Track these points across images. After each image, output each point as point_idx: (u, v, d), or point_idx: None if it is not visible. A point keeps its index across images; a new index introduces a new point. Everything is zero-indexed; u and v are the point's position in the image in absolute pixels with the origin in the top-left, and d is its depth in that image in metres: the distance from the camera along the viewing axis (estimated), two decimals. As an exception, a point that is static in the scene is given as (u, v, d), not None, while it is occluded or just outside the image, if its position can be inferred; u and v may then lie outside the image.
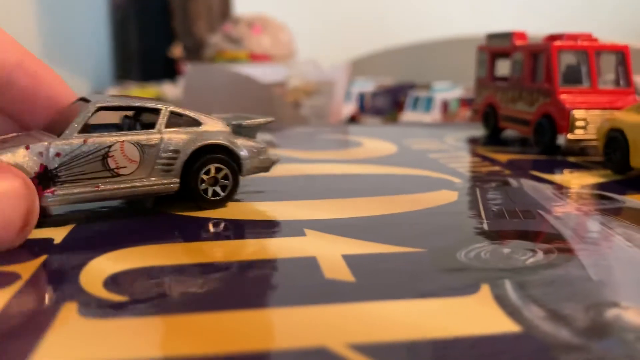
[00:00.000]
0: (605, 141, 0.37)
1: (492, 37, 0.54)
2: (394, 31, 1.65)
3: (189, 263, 0.20)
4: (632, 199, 0.30)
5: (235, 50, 1.27)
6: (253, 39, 1.28)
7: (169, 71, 1.42)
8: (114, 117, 0.28)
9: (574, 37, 0.45)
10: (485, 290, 0.18)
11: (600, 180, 0.34)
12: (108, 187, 0.24)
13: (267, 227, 0.24)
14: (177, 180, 0.25)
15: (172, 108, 0.26)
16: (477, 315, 0.16)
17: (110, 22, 1.58)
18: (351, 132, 0.59)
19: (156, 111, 0.25)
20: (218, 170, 0.26)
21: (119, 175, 0.24)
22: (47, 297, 0.17)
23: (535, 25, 0.92)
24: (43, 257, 0.20)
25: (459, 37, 1.28)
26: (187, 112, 0.26)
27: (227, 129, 0.27)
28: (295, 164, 0.39)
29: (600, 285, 0.18)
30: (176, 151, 0.25)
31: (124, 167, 0.24)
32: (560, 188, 0.32)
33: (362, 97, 1.24)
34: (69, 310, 0.16)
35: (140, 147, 0.24)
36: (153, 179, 0.25)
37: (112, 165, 0.24)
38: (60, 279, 0.19)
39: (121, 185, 0.24)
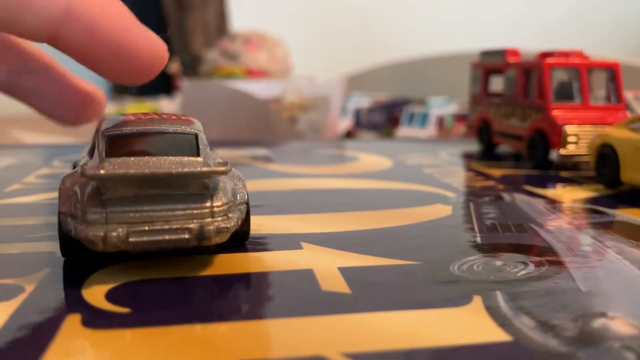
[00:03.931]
0: (596, 156, 0.37)
1: (485, 54, 0.55)
2: (389, 47, 1.67)
3: (189, 276, 0.20)
4: (623, 213, 0.30)
5: (232, 66, 1.28)
6: (249, 54, 1.29)
7: (165, 86, 1.43)
8: None
9: (565, 54, 0.46)
10: (477, 301, 0.18)
11: (592, 194, 0.35)
12: None
13: (265, 240, 0.25)
14: None
15: None
16: (470, 325, 0.17)
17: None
18: (347, 147, 0.60)
19: None
20: None
21: None
22: (50, 309, 0.18)
23: (528, 41, 0.93)
24: (46, 270, 0.21)
25: (454, 53, 1.30)
26: None
27: None
28: (292, 178, 0.39)
29: (589, 296, 0.19)
30: None
31: None
32: (552, 202, 0.33)
33: (357, 113, 1.25)
34: (73, 322, 0.17)
35: None
36: None
37: None
38: (63, 291, 0.19)
39: None
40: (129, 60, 0.21)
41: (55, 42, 0.20)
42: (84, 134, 0.75)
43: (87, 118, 0.25)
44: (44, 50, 0.24)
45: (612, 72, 0.45)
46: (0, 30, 0.20)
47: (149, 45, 0.21)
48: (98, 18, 0.20)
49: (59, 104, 0.24)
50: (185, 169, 0.20)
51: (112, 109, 1.13)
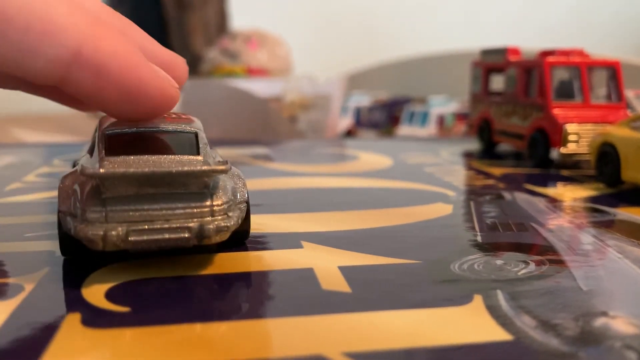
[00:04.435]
0: (597, 155, 0.37)
1: (486, 52, 0.55)
2: (389, 46, 1.67)
3: (189, 275, 0.20)
4: (624, 211, 0.30)
5: (232, 64, 1.27)
6: (250, 53, 1.29)
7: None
8: None
9: (566, 52, 0.46)
10: (478, 300, 0.18)
11: (593, 193, 0.35)
12: None
13: (265, 239, 0.25)
14: None
15: None
16: (470, 324, 0.17)
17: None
18: (347, 146, 0.60)
19: None
20: None
21: None
22: (49, 308, 0.18)
23: (529, 40, 0.93)
24: (45, 269, 0.21)
25: (454, 52, 1.29)
26: None
27: None
28: (292, 177, 0.39)
29: (590, 295, 0.19)
30: None
31: None
32: (553, 201, 0.33)
33: (358, 111, 1.25)
34: (72, 321, 0.17)
35: None
36: None
37: None
38: (63, 290, 0.19)
39: None
40: (139, 101, 0.21)
41: (63, 84, 0.20)
42: (84, 132, 0.75)
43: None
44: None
45: (613, 71, 0.45)
46: (8, 72, 0.20)
47: (160, 86, 0.21)
48: (108, 60, 0.20)
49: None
50: (185, 168, 0.19)
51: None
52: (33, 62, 0.19)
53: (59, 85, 0.20)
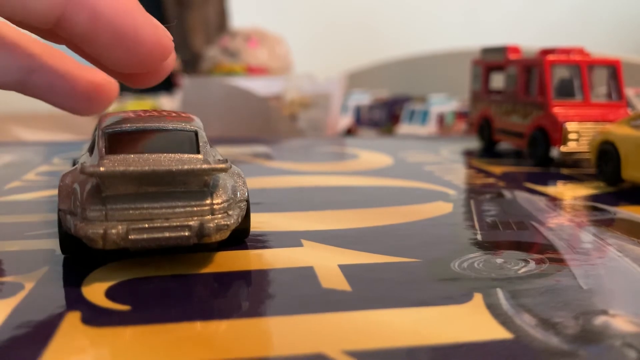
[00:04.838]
0: (597, 153, 0.37)
1: (486, 51, 0.55)
2: (389, 44, 1.67)
3: (189, 273, 0.20)
4: (624, 210, 0.30)
5: (232, 63, 1.27)
6: (250, 52, 1.29)
7: (165, 84, 1.43)
8: None
9: (566, 51, 0.46)
10: (478, 299, 0.18)
11: (593, 192, 0.35)
12: None
13: (265, 238, 0.25)
14: None
15: None
16: (470, 323, 0.17)
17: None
18: (347, 145, 0.60)
19: None
20: None
21: None
22: (50, 307, 0.18)
23: (529, 39, 0.93)
24: (45, 268, 0.21)
25: (454, 50, 1.29)
26: None
27: None
28: (292, 176, 0.39)
29: (590, 294, 0.19)
30: None
31: None
32: (553, 200, 0.33)
33: (358, 110, 1.25)
34: (72, 320, 0.17)
35: None
36: None
37: None
38: (63, 289, 0.19)
39: None
40: (133, 46, 0.21)
41: (59, 27, 0.20)
42: (84, 131, 0.75)
43: (101, 107, 0.25)
44: (52, 46, 0.24)
45: (613, 69, 0.45)
46: (6, 16, 0.20)
47: (154, 33, 0.21)
48: (103, 2, 0.20)
49: (72, 97, 0.24)
50: (185, 167, 0.19)
51: (111, 106, 1.13)
52: (31, 2, 0.20)
53: (55, 28, 0.21)
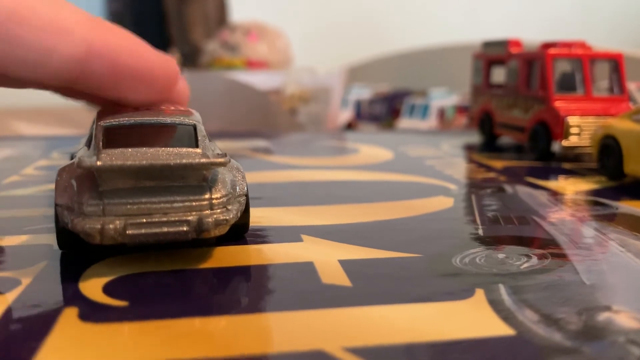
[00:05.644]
0: (599, 148, 0.37)
1: (487, 44, 0.54)
2: (390, 38, 1.66)
3: (187, 268, 0.20)
4: (626, 205, 0.30)
5: (232, 57, 1.27)
6: (249, 46, 1.28)
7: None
8: None
9: (568, 45, 0.45)
10: (479, 294, 0.18)
11: (595, 186, 0.35)
12: None
13: (264, 233, 0.25)
14: None
15: None
16: (472, 319, 0.16)
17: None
18: (348, 139, 0.60)
19: None
20: None
21: None
22: (46, 302, 0.18)
23: (530, 33, 0.93)
24: (42, 263, 0.21)
25: (455, 44, 1.29)
26: None
27: None
28: (292, 170, 0.39)
29: (593, 289, 0.19)
30: None
31: None
32: (555, 194, 0.32)
33: (358, 104, 1.25)
34: (69, 316, 0.16)
35: None
36: None
37: None
38: (60, 284, 0.19)
39: None
40: (149, 84, 0.22)
41: (79, 81, 0.21)
42: (83, 125, 0.75)
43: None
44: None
45: (615, 63, 0.45)
46: (27, 75, 0.20)
47: (165, 66, 0.23)
48: (119, 50, 0.21)
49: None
50: (184, 161, 0.19)
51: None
52: (49, 63, 0.20)
53: (73, 84, 0.21)
